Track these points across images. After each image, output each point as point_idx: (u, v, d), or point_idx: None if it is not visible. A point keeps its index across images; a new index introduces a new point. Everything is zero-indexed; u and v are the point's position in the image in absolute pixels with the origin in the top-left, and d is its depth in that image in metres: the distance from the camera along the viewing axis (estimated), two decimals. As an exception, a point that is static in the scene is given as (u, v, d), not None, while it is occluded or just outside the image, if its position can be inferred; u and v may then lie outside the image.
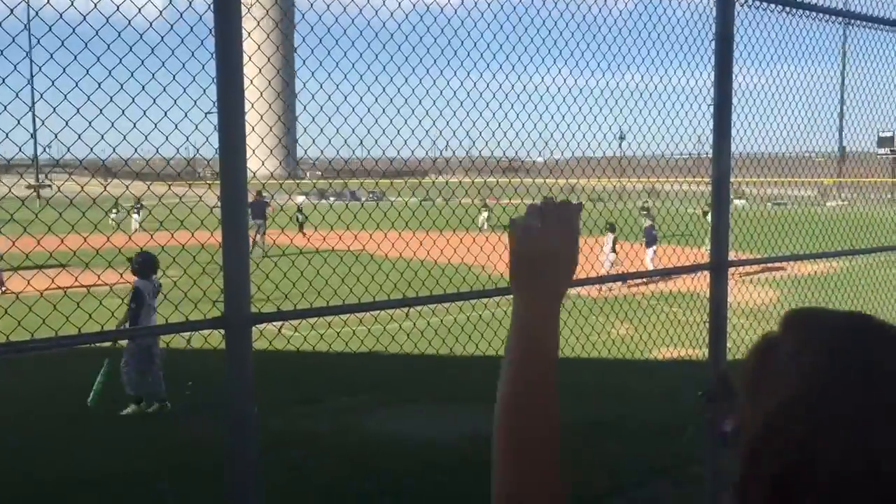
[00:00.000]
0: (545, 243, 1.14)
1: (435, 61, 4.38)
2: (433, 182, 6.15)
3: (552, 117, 4.90)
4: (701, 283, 13.38)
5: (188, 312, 3.84)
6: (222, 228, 3.29)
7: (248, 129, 3.44)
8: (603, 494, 5.97)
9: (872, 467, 0.84)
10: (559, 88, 4.99)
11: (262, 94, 4.07)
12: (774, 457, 0.89)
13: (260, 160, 4.28)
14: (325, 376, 8.95)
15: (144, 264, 8.42)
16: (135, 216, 28.54)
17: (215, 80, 3.28)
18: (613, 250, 18.06)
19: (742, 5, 4.43)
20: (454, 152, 5.38)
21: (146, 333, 3.23)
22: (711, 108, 4.57)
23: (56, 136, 3.42)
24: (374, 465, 6.51)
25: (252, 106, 3.62)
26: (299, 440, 6.74)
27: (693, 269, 4.73)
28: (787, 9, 4.95)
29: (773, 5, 4.87)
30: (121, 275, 8.94)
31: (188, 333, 3.36)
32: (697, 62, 5.02)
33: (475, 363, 9.56)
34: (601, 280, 4.18)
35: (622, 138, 6.52)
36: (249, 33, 3.52)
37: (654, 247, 18.64)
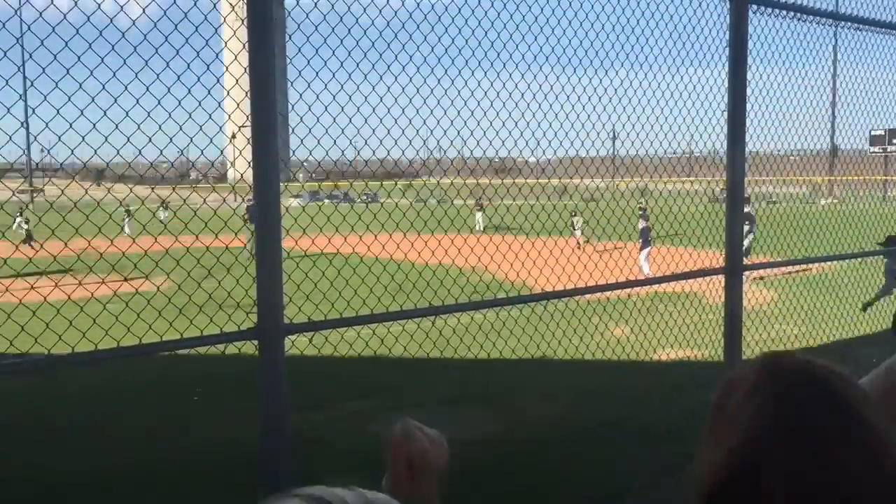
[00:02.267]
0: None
1: (425, 59, 4.30)
2: (424, 183, 6.11)
3: (545, 115, 4.84)
4: (696, 285, 13.46)
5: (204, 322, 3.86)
6: (256, 241, 3.32)
7: (234, 129, 3.43)
8: (615, 494, 6.03)
9: None
10: (552, 87, 4.89)
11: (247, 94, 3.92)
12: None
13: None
14: (331, 381, 8.98)
15: None
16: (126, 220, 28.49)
17: (248, 95, 3.31)
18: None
19: (755, 12, 4.50)
20: (445, 152, 5.36)
21: (177, 347, 3.25)
22: (725, 114, 4.65)
23: (60, 139, 3.38)
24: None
25: (237, 106, 3.61)
26: (313, 444, 6.76)
27: (708, 273, 4.80)
28: (782, 12, 5.03)
29: (777, 10, 4.96)
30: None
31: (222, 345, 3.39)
32: (706, 62, 5.02)
33: (476, 367, 9.62)
34: (619, 286, 4.24)
35: (615, 137, 6.52)
36: (235, 32, 3.51)
37: (648, 248, 18.70)
